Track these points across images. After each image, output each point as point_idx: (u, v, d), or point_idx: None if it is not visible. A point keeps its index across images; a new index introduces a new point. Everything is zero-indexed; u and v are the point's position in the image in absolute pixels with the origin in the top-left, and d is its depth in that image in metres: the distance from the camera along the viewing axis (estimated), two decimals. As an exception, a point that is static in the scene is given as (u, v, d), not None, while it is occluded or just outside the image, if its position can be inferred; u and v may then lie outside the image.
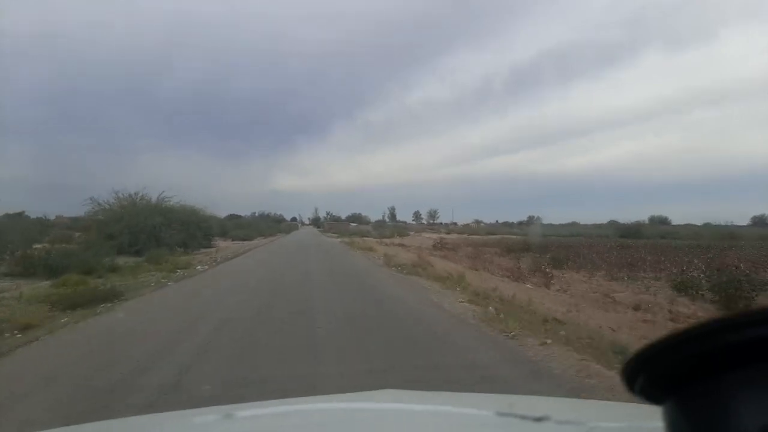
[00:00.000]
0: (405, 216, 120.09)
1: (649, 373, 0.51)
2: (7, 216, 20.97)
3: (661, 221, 78.70)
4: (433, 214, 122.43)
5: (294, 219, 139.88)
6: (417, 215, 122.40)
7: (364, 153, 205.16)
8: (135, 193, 20.21)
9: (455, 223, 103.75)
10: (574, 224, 78.66)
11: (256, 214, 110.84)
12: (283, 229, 79.23)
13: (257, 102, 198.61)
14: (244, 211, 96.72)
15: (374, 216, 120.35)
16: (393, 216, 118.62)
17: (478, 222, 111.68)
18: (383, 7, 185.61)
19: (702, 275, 12.88)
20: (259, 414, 1.29)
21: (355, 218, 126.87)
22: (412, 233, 54.20)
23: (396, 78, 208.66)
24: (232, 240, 34.60)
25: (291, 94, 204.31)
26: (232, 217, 68.56)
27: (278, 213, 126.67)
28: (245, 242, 32.49)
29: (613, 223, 61.46)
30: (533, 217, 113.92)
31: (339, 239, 38.64)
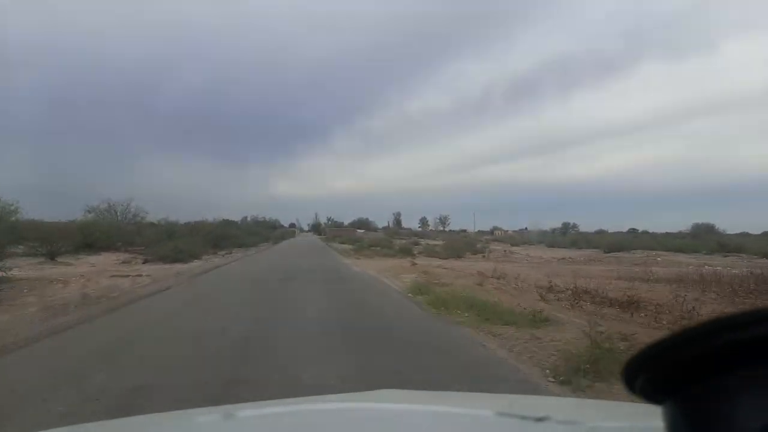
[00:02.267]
0: (409, 222, 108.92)
1: (650, 373, 0.50)
2: None
3: (708, 230, 64.20)
4: (443, 221, 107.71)
5: (292, 225, 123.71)
6: (423, 221, 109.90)
7: (364, 160, 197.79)
8: None
9: (464, 230, 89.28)
10: (602, 233, 64.66)
11: (248, 219, 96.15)
12: (276, 236, 61.23)
13: (258, 109, 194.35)
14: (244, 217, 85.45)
15: (378, 222, 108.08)
16: (398, 222, 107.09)
17: (504, 230, 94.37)
18: (384, 13, 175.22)
19: None
20: (259, 414, 1.25)
21: (362, 224, 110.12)
22: (479, 248, 31.78)
23: (395, 85, 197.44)
24: (144, 262, 17.32)
25: (291, 101, 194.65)
26: (226, 223, 54.50)
27: (274, 218, 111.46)
28: (157, 268, 15.08)
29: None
30: (568, 224, 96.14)
31: (369, 262, 18.77)
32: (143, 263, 17.22)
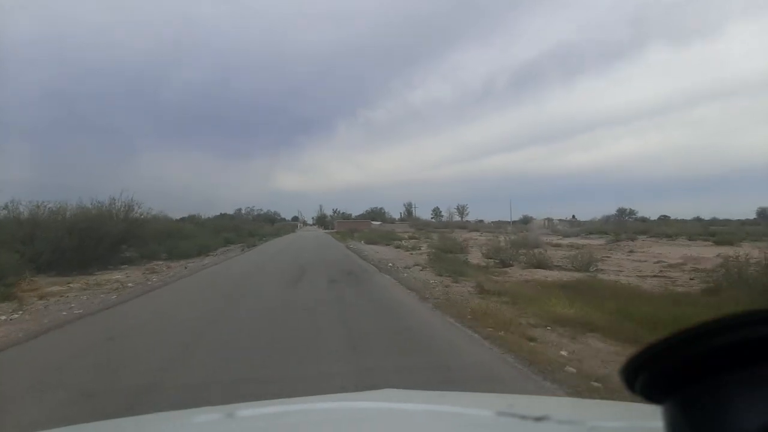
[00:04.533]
0: (421, 213, 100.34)
1: (650, 373, 0.51)
2: None
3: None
4: (461, 210, 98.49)
5: (295, 218, 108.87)
6: (437, 212, 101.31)
7: (368, 151, 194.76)
8: None
9: (481, 221, 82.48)
10: (666, 220, 54.44)
11: (243, 211, 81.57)
12: (265, 233, 44.65)
13: (260, 102, 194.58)
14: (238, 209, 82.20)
15: (387, 213, 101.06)
16: (410, 213, 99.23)
17: (545, 220, 76.68)
18: (390, 5, 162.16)
19: None
20: (259, 414, 1.23)
21: (376, 214, 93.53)
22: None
23: (400, 76, 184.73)
24: None
25: (294, 93, 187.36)
26: (223, 217, 51.99)
27: (274, 211, 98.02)
28: None
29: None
30: (625, 210, 78.00)
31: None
32: None
